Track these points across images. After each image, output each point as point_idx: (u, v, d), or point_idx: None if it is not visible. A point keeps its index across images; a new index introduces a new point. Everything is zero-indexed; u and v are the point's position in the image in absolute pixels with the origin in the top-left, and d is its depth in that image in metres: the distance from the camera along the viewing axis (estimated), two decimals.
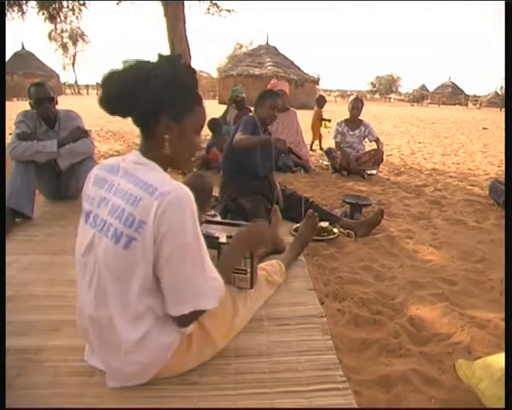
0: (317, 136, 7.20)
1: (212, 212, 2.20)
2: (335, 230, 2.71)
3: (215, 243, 1.54)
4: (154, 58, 1.19)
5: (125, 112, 1.17)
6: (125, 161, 1.20)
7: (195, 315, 1.18)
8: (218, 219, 2.09)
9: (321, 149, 6.87)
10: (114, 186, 1.16)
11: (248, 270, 1.53)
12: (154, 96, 1.13)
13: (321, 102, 7.32)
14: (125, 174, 1.16)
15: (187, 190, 1.12)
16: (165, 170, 1.20)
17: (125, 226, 1.10)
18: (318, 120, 7.08)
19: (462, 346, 1.56)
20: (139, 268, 1.11)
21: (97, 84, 41.02)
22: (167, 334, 1.20)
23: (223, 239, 1.56)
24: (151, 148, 1.19)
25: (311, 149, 6.54)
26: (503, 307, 1.69)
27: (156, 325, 1.19)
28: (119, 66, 1.16)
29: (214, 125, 4.97)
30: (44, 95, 2.94)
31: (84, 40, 44.74)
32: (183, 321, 1.19)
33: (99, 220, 1.16)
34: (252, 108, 5.02)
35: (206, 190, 2.10)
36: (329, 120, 7.04)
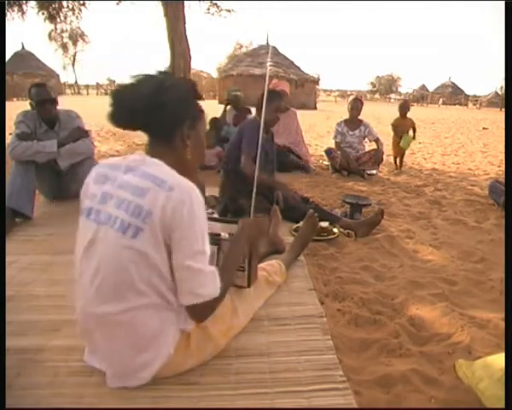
0: (398, 151, 5.37)
1: (210, 210, 2.20)
2: (335, 230, 2.71)
3: (216, 240, 1.55)
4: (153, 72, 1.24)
5: (144, 122, 1.21)
6: (129, 159, 1.23)
7: (202, 308, 1.20)
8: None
9: (399, 166, 5.44)
10: (117, 181, 1.18)
11: (246, 267, 1.53)
12: (177, 104, 1.21)
13: (404, 108, 5.38)
14: (129, 170, 1.19)
15: (192, 183, 1.17)
16: None
17: (132, 217, 1.12)
18: (399, 134, 5.28)
19: (462, 346, 1.56)
20: (151, 258, 1.12)
21: (97, 84, 41.38)
22: (171, 328, 1.22)
23: (224, 236, 1.56)
24: (165, 153, 1.22)
25: (397, 168, 5.25)
26: (503, 307, 1.69)
27: (171, 319, 1.21)
28: (128, 81, 1.21)
29: (216, 123, 5.04)
30: (46, 96, 2.94)
31: (84, 40, 44.79)
32: (192, 312, 1.21)
33: (103, 215, 1.17)
34: (251, 108, 5.02)
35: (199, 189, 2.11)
36: (413, 137, 5.33)
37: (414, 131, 5.48)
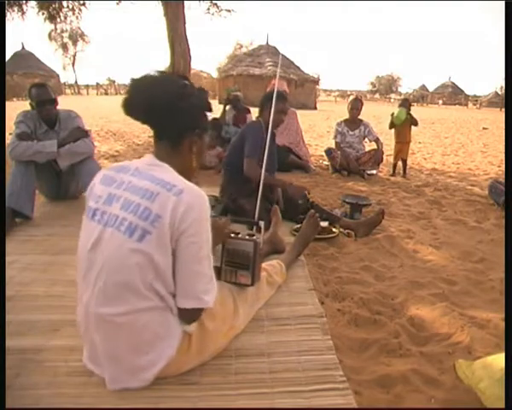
0: (398, 153, 5.00)
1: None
2: (335, 230, 2.71)
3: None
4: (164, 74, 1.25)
5: (159, 121, 1.23)
6: (137, 162, 1.25)
7: (197, 312, 1.22)
8: None
9: (403, 173, 5.02)
10: (125, 183, 1.19)
11: (250, 266, 1.53)
12: (194, 112, 1.25)
13: (404, 106, 4.90)
14: (137, 173, 1.20)
15: (201, 190, 1.18)
16: None
17: (140, 219, 1.12)
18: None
19: (462, 346, 1.56)
20: (156, 261, 1.12)
21: (97, 84, 41.38)
22: (175, 330, 1.22)
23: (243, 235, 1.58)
24: (169, 155, 1.24)
25: (392, 175, 5.02)
26: (503, 307, 1.68)
27: (174, 321, 1.22)
28: (149, 75, 1.21)
29: (216, 124, 5.04)
30: (46, 97, 2.93)
31: (84, 40, 44.82)
32: (185, 316, 1.22)
33: (108, 216, 1.17)
34: (250, 108, 5.01)
35: None
36: (408, 115, 4.84)
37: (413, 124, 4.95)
